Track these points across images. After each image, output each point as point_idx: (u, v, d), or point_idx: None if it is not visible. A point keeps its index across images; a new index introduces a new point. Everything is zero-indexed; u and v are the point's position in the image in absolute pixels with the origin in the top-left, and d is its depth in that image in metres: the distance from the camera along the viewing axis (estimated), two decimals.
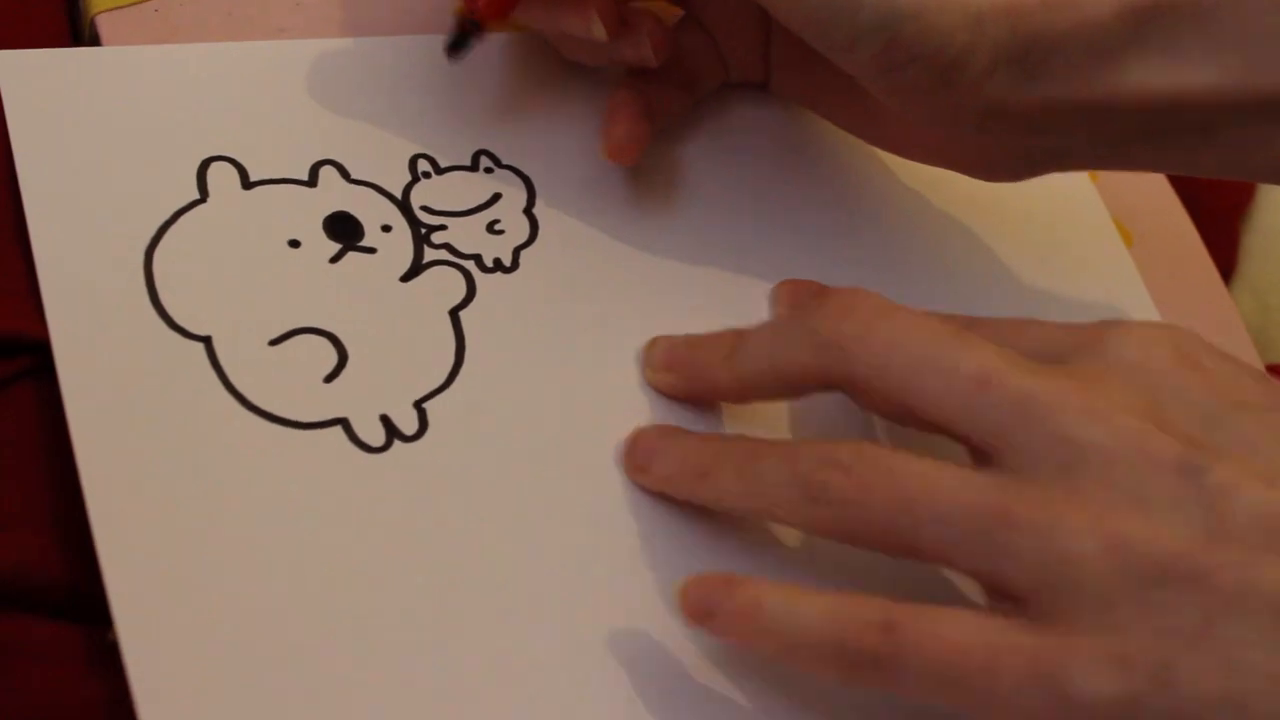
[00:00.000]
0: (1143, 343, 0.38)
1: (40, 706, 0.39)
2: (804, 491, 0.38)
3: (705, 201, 0.49)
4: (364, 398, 0.43)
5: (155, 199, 0.44)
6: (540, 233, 0.47)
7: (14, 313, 0.43)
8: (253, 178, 0.45)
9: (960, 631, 0.36)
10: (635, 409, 0.45)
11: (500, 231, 0.47)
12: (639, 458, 0.43)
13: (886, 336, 0.39)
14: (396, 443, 0.42)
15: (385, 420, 0.43)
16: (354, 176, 0.46)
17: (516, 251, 0.46)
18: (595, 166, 0.48)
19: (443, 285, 0.45)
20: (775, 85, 0.50)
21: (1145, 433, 0.36)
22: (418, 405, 0.43)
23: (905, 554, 0.37)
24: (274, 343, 0.43)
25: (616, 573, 0.42)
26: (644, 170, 0.48)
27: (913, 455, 0.38)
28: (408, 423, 0.43)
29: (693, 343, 0.44)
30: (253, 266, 0.44)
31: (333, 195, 0.46)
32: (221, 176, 0.45)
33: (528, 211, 0.47)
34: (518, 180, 0.48)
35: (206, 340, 0.42)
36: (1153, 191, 0.54)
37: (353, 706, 0.39)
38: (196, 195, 0.45)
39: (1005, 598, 0.36)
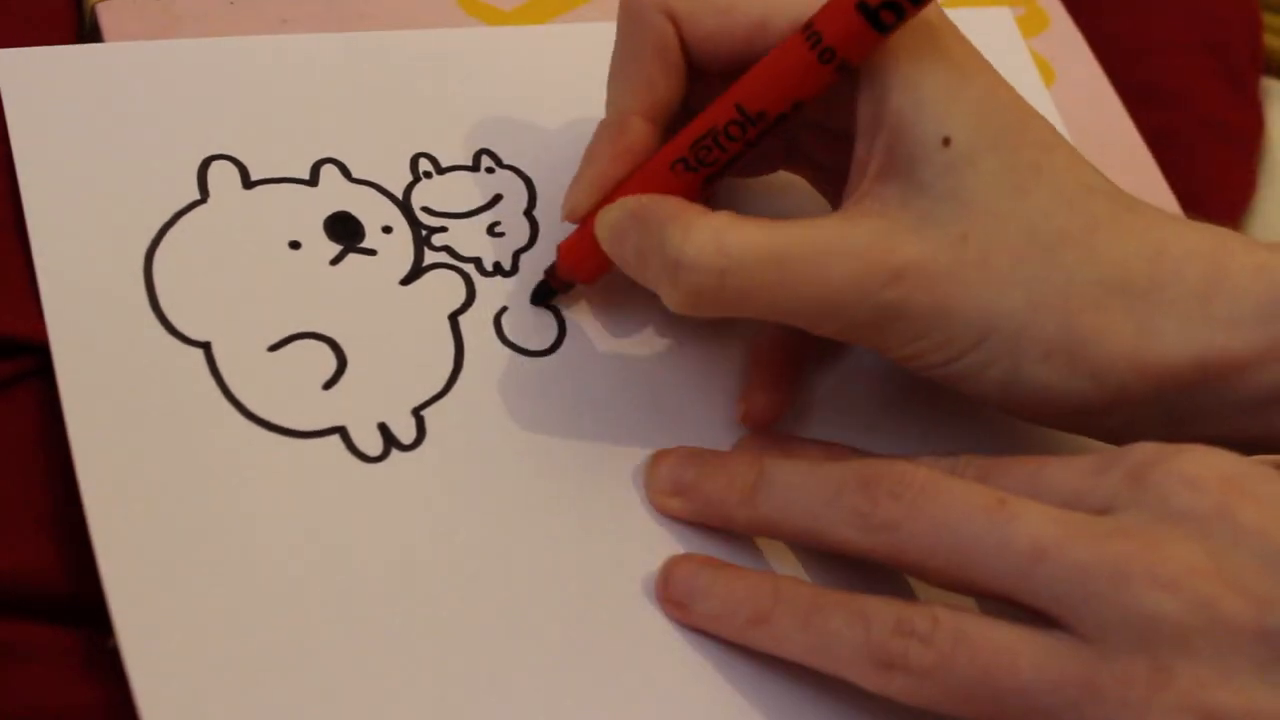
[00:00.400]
0: (1187, 483, 0.37)
1: (40, 710, 0.40)
2: (879, 658, 0.38)
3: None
4: (362, 405, 0.43)
5: (156, 200, 0.44)
6: (540, 236, 0.47)
7: (15, 313, 0.43)
8: (253, 177, 0.45)
9: None
10: (634, 416, 0.45)
11: (501, 234, 0.47)
12: (677, 594, 0.42)
13: (935, 518, 0.38)
14: (394, 452, 0.43)
15: (383, 429, 0.43)
16: (355, 175, 0.46)
17: (516, 255, 0.46)
18: None
19: (442, 289, 0.45)
20: None
21: (1216, 598, 0.35)
22: (415, 413, 0.43)
23: None
24: (273, 348, 0.43)
25: (616, 584, 0.42)
26: None
27: (989, 621, 0.37)
28: (405, 431, 0.43)
29: (702, 467, 0.43)
30: (253, 269, 0.44)
31: (334, 195, 0.46)
32: (222, 176, 0.45)
33: (528, 214, 0.47)
34: (519, 181, 0.48)
35: (206, 346, 0.43)
36: (1152, 191, 0.54)
37: (350, 713, 0.39)
38: (197, 195, 0.45)
39: None
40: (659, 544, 0.43)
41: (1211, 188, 0.57)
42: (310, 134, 0.46)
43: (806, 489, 0.41)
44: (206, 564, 0.40)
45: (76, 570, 0.40)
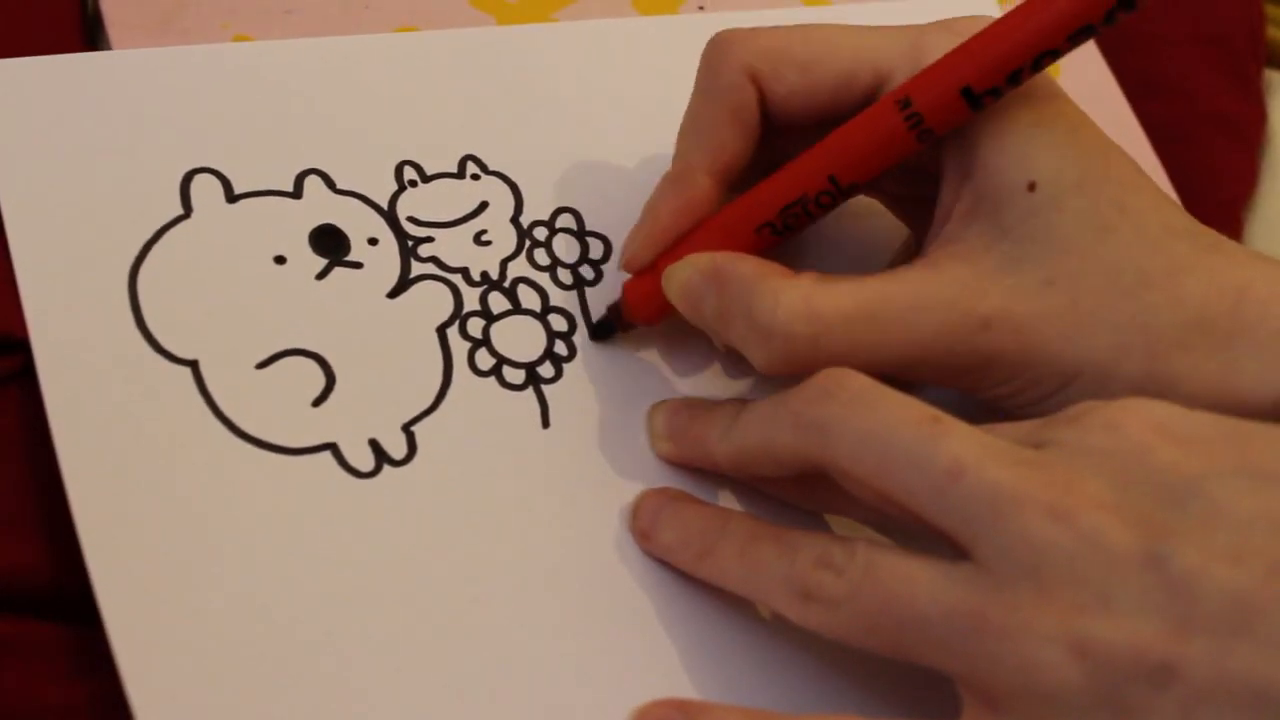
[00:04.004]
0: (1109, 426, 0.37)
1: (34, 705, 0.40)
2: (799, 588, 0.38)
3: None
4: (352, 421, 0.43)
5: (138, 215, 0.44)
6: (527, 244, 0.46)
7: (2, 313, 0.42)
8: (236, 190, 0.45)
9: None
10: (625, 424, 0.45)
11: (488, 243, 0.46)
12: (643, 523, 0.43)
13: (863, 425, 0.38)
14: (386, 467, 0.42)
15: (374, 445, 0.42)
16: (340, 186, 0.46)
17: (504, 264, 0.46)
18: (582, 172, 0.47)
19: (430, 301, 0.45)
20: None
21: (1106, 529, 0.35)
22: (406, 428, 0.43)
23: (892, 655, 0.37)
24: (261, 366, 0.43)
25: (609, 595, 0.42)
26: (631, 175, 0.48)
27: (903, 553, 0.37)
28: (396, 447, 0.43)
29: (693, 411, 0.44)
30: (238, 285, 0.44)
31: (318, 207, 0.45)
32: (205, 190, 0.45)
33: (515, 221, 0.47)
34: (505, 188, 0.47)
35: (193, 365, 0.42)
36: None
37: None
38: (180, 211, 0.44)
39: (987, 702, 0.36)
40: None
41: (1213, 181, 0.57)
42: (293, 144, 0.46)
43: (763, 408, 0.41)
44: (201, 581, 0.40)
45: (66, 569, 0.40)
